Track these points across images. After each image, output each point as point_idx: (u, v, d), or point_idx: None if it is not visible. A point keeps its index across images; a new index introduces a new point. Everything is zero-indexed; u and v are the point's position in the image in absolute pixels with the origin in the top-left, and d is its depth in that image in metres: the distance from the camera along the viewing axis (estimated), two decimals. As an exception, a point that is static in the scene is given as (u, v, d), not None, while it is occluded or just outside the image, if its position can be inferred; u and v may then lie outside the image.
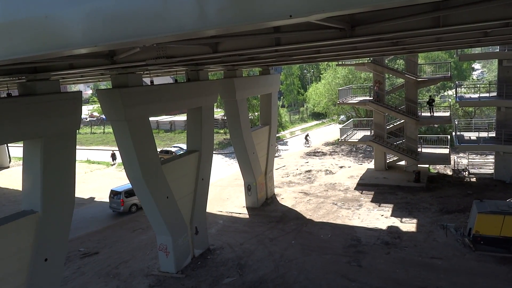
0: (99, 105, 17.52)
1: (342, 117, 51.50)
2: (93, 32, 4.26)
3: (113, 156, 38.18)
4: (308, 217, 22.66)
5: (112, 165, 37.60)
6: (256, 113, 46.30)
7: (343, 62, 31.83)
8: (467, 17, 8.60)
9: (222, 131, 51.42)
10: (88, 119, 67.07)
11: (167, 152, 36.40)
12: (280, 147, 43.40)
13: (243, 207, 24.88)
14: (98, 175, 35.02)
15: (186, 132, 19.34)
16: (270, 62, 20.26)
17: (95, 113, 68.96)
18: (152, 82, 16.71)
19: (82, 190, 30.14)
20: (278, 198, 26.20)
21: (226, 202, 26.21)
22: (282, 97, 69.87)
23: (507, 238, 16.63)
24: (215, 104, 26.57)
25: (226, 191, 28.59)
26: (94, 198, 29.37)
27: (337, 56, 18.96)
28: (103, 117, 58.80)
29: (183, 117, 55.45)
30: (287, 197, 26.39)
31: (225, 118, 28.39)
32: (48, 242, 11.88)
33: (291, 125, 57.56)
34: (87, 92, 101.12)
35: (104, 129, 60.03)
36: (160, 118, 59.42)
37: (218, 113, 54.42)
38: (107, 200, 26.32)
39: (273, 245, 19.28)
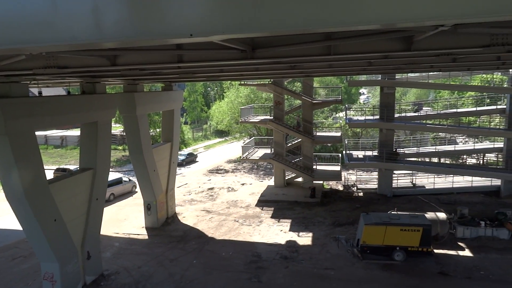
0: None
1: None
2: (-34, 35, 3.79)
3: None
4: (210, 235, 22.53)
5: None
6: (158, 130, 45.12)
7: (246, 82, 32.86)
8: (353, 48, 9.59)
9: (120, 148, 48.93)
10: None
11: (64, 170, 33.33)
12: (182, 167, 42.71)
13: (142, 227, 23.79)
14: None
15: (79, 149, 17.96)
16: (173, 78, 20.03)
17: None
18: (40, 93, 15.28)
19: None
20: (180, 217, 25.63)
21: (123, 223, 24.79)
22: (185, 114, 69.28)
23: (388, 246, 18.51)
24: (113, 119, 25.29)
25: (123, 211, 27.08)
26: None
27: (240, 76, 19.53)
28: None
29: (76, 132, 51.50)
30: (188, 215, 25.96)
31: (124, 134, 27.08)
32: None
33: (194, 142, 57.20)
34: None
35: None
36: (50, 132, 54.34)
37: (117, 129, 51.75)
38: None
39: (173, 266, 18.70)
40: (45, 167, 14.92)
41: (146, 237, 22.55)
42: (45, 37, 4.03)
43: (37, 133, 14.44)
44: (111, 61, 10.97)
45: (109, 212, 26.02)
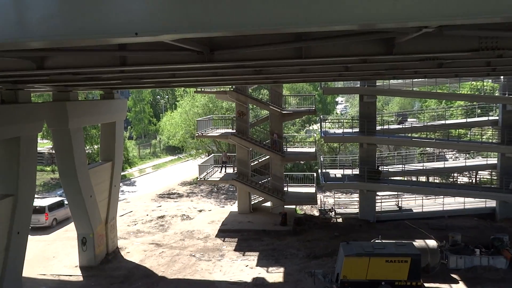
0: None
1: None
2: None
3: None
4: (160, 274, 22.06)
5: None
6: (96, 146, 44.09)
7: (203, 89, 32.86)
8: (328, 51, 9.85)
9: (49, 169, 47.43)
10: None
11: None
12: (125, 188, 41.84)
13: (76, 266, 22.98)
14: None
15: (-4, 171, 17.26)
16: (114, 84, 19.78)
17: None
18: None
19: None
20: (123, 253, 24.99)
21: (52, 261, 23.86)
22: (129, 127, 68.15)
23: (373, 281, 18.71)
24: (40, 134, 24.52)
25: (52, 247, 26.08)
26: None
27: (196, 81, 19.56)
28: None
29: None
30: (134, 250, 25.35)
31: (54, 151, 26.30)
32: None
33: (140, 161, 56.31)
34: None
35: None
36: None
37: (44, 145, 50.08)
38: None
39: (115, 314, 18.11)
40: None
41: (81, 278, 21.78)
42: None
43: None
44: (37, 64, 10.69)
45: (34, 248, 24.98)
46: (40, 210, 28.96)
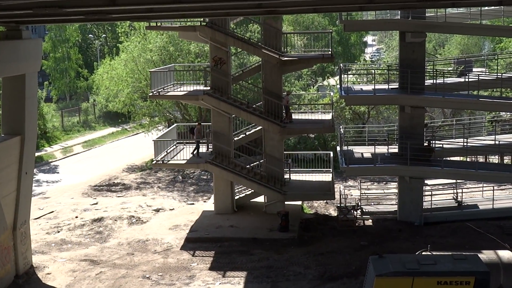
0: None
1: None
2: None
3: None
4: (98, 305, 22.29)
5: None
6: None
7: (160, 24, 32.42)
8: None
9: None
10: None
11: None
12: (43, 176, 41.80)
13: (-32, 295, 23.15)
14: None
15: None
16: (22, 15, 19.52)
17: None
18: None
19: None
20: (40, 274, 25.13)
21: None
22: (46, 83, 67.57)
23: (418, 313, 18.98)
24: None
25: None
26: None
27: (148, 11, 19.34)
28: None
29: None
30: (57, 270, 25.47)
31: None
32: None
33: (65, 136, 56.10)
34: None
35: None
36: None
37: None
38: None
39: None
40: None
41: (-23, 313, 21.97)
42: None
43: None
44: None
45: None
46: None
